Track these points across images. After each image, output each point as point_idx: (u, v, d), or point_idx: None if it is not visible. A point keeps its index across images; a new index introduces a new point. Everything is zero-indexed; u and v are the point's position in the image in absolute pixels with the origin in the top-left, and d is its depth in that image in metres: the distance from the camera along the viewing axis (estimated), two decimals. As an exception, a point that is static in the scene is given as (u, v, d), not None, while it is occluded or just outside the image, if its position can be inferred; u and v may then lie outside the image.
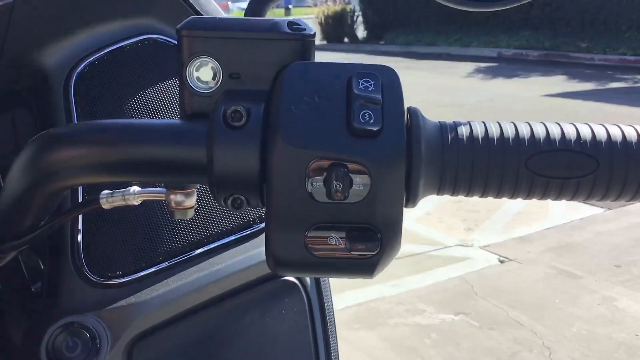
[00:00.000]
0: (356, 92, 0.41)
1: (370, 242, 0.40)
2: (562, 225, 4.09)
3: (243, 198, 0.43)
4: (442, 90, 8.98)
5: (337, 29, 17.58)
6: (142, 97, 0.72)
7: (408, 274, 3.40)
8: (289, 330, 0.70)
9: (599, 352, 2.65)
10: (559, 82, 9.38)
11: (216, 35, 0.44)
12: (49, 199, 0.49)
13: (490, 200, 0.44)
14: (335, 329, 0.75)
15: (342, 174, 0.39)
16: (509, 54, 12.82)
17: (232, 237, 0.71)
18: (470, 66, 11.58)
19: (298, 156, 0.39)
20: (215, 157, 0.42)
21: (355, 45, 17.06)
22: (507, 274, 3.43)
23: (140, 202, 0.51)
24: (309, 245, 0.41)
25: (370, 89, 0.41)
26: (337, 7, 17.71)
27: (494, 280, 3.34)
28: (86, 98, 0.71)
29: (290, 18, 0.46)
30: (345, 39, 17.69)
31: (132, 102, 0.72)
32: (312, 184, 0.40)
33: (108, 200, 0.51)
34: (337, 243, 0.41)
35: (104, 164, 0.45)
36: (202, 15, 0.76)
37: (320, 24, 17.68)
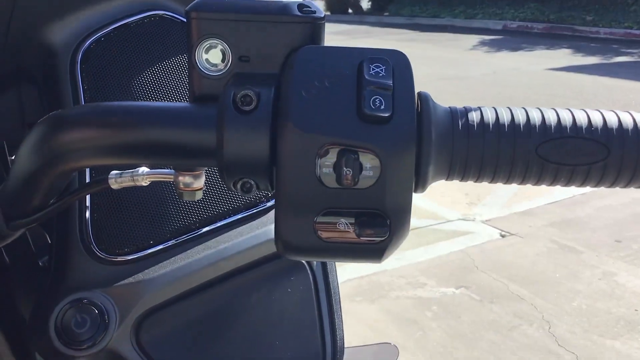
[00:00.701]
0: (367, 77, 0.40)
1: (379, 227, 0.40)
2: (564, 200, 4.09)
3: (252, 182, 0.43)
4: (446, 63, 8.91)
5: (341, -1, 17.41)
6: (148, 73, 0.72)
7: (410, 248, 3.42)
8: (295, 308, 0.71)
9: (599, 326, 2.67)
10: (564, 56, 9.31)
11: (225, 17, 0.43)
12: (57, 179, 0.49)
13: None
14: (340, 307, 0.75)
15: (352, 159, 0.39)
16: (514, 26, 12.70)
17: (239, 216, 0.71)
18: (475, 39, 11.47)
19: (308, 141, 0.39)
20: (225, 142, 0.42)
21: (359, 16, 16.89)
22: (509, 248, 3.44)
23: (148, 183, 0.52)
24: (318, 231, 0.41)
25: (381, 75, 0.41)
26: (341, -23, 17.52)
27: (496, 255, 3.36)
28: (92, 74, 0.71)
29: (300, 0, 0.45)
30: (350, 10, 17.50)
31: (138, 78, 0.71)
32: (321, 170, 0.40)
33: (117, 180, 0.51)
34: (346, 228, 0.41)
35: (113, 146, 0.45)
36: None
37: (324, -6, 17.50)
